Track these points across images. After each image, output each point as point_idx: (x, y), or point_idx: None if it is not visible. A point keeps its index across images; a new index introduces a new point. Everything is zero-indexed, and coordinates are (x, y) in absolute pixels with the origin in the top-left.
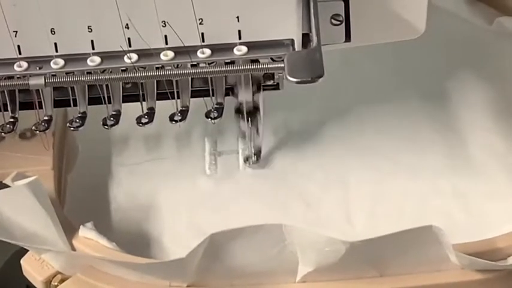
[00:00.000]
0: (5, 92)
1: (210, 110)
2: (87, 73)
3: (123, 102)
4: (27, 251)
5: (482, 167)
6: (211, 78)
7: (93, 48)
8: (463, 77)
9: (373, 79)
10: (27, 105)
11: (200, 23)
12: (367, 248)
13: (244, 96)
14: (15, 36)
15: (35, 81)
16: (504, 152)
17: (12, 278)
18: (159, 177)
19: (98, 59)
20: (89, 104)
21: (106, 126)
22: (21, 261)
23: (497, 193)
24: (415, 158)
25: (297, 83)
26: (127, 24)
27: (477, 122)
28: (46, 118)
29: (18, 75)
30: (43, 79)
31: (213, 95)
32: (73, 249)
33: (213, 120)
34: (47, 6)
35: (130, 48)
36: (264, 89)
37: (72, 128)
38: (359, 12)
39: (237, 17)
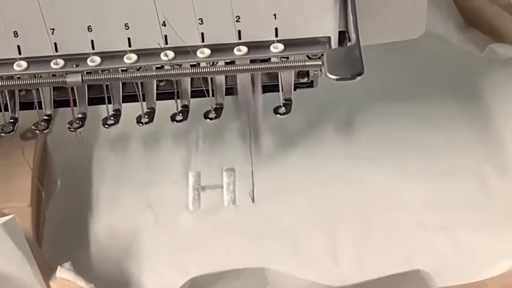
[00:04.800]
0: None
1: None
2: (122, 71)
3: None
4: None
5: (472, 201)
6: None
7: (129, 46)
8: (452, 102)
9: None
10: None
11: (237, 21)
12: None
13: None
14: (52, 34)
15: (72, 79)
16: (495, 185)
17: None
18: (140, 212)
19: (134, 57)
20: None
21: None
22: None
23: (487, 229)
24: (403, 191)
25: (337, 80)
26: (164, 22)
27: (469, 152)
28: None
29: (53, 73)
30: (80, 76)
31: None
32: None
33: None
34: (84, 3)
35: (167, 46)
36: (297, 87)
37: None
38: (359, 13)
39: (274, 15)
